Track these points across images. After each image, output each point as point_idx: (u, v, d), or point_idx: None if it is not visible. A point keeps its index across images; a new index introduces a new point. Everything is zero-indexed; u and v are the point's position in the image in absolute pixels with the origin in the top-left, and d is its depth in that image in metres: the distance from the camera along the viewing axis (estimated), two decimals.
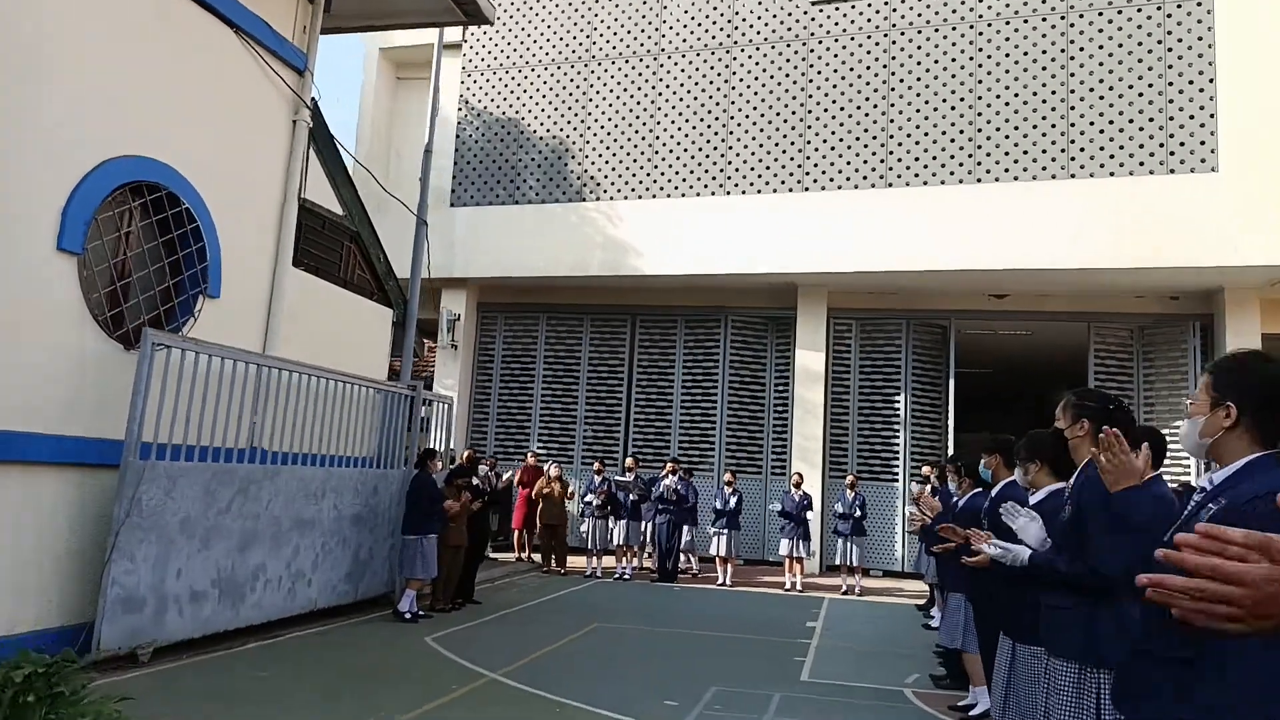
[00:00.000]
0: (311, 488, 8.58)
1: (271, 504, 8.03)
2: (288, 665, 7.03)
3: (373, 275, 10.46)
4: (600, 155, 16.47)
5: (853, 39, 15.26)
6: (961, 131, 14.53)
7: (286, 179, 8.66)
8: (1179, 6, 13.71)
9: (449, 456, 11.35)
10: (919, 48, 14.89)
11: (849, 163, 15.07)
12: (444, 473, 10.31)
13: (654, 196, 16.03)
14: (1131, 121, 13.74)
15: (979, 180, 14.42)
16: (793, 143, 15.35)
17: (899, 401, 15.74)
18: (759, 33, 15.79)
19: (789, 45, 15.60)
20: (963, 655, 6.47)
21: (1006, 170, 14.31)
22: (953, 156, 14.58)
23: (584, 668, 7.40)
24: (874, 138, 14.96)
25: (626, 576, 13.69)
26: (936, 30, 14.82)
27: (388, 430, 10.13)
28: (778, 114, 15.52)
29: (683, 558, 14.49)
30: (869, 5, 15.25)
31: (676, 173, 15.99)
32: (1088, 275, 13.80)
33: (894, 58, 15.01)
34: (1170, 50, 13.69)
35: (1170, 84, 13.58)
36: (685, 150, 15.99)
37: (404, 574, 9.35)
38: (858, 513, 13.06)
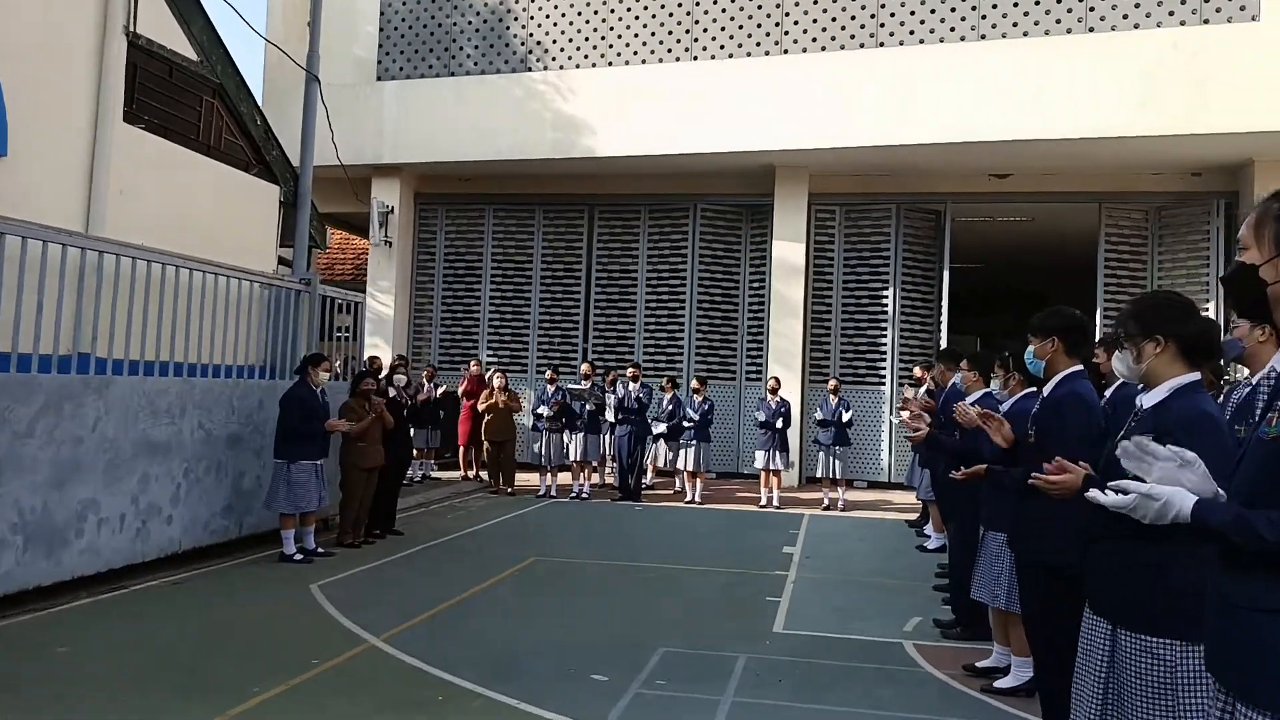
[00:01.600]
0: (162, 403, 6.83)
1: (101, 424, 6.29)
2: (110, 630, 5.42)
3: (248, 143, 8.49)
4: (548, 16, 14.27)
5: None
6: None
7: (105, 4, 6.62)
8: None
9: (364, 362, 9.59)
10: None
11: (834, 19, 13.00)
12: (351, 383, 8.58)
13: (609, 64, 13.93)
14: None
15: (983, 36, 12.44)
16: None
17: (887, 297, 14.07)
18: None
19: None
20: (993, 611, 4.92)
21: (1015, 24, 12.33)
22: (953, 9, 12.55)
23: (498, 625, 5.83)
24: None
25: (584, 495, 12.19)
26: None
27: (278, 333, 8.36)
28: None
29: (650, 472, 13.06)
30: None
31: (635, 35, 13.85)
32: (1103, 147, 12.00)
33: None
34: None
35: None
36: (645, 8, 13.82)
37: (268, 507, 7.68)
38: (842, 418, 11.52)
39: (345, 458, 8.35)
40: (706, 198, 14.68)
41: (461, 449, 13.52)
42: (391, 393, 8.97)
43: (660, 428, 12.25)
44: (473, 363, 13.56)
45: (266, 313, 8.18)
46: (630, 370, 12.32)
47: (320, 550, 7.86)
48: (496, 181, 15.30)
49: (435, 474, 13.43)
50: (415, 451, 12.90)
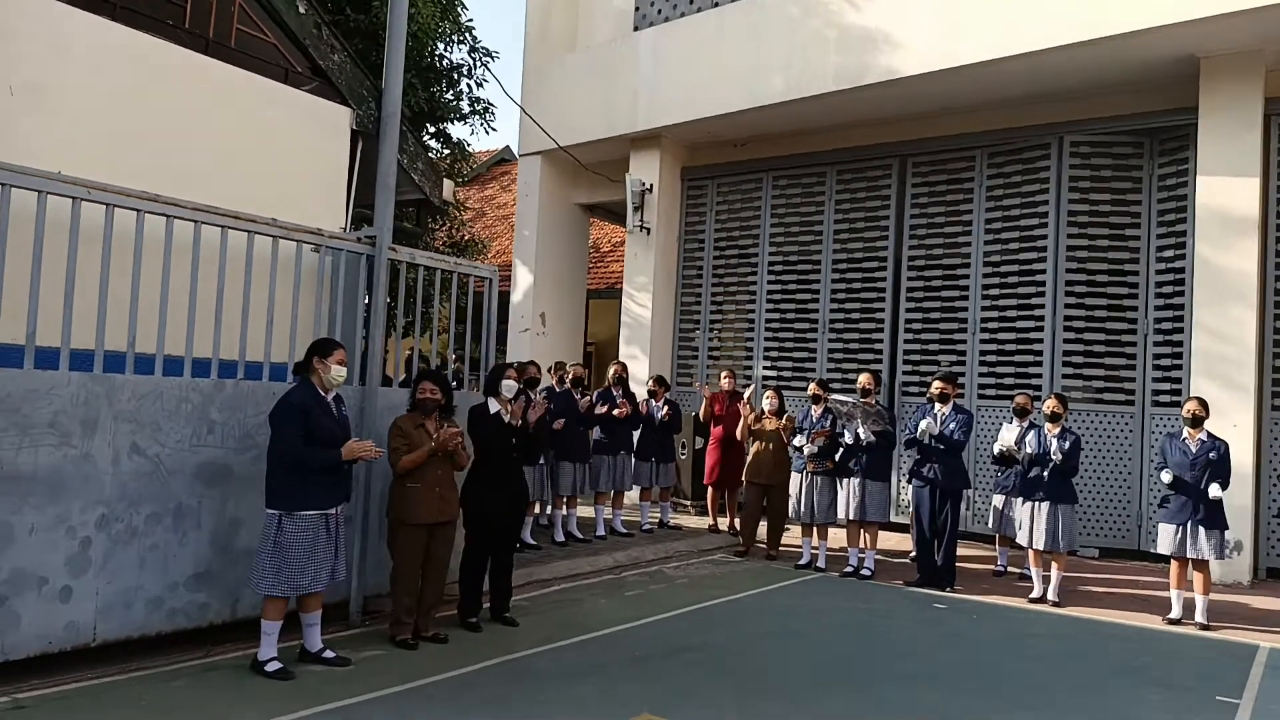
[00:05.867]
0: (39, 412, 4.33)
1: None
2: None
3: (289, 43, 5.94)
4: None
5: None
6: None
7: None
8: None
9: (421, 360, 6.54)
10: None
11: None
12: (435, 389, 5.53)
13: None
14: None
15: None
16: None
17: None
18: None
19: None
20: None
21: None
22: None
23: None
24: None
25: (866, 573, 8.05)
26: None
27: (323, 315, 5.66)
28: None
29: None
30: None
31: None
32: None
33: None
34: None
35: None
36: None
37: (254, 587, 4.79)
38: None
39: (390, 507, 5.38)
40: (1077, 126, 9.69)
41: (710, 491, 10.05)
42: (494, 408, 5.84)
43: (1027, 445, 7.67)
44: (723, 375, 10.00)
45: (303, 285, 5.50)
46: (936, 385, 7.91)
47: (329, 654, 4.91)
48: (777, 142, 11.69)
49: (674, 522, 10.08)
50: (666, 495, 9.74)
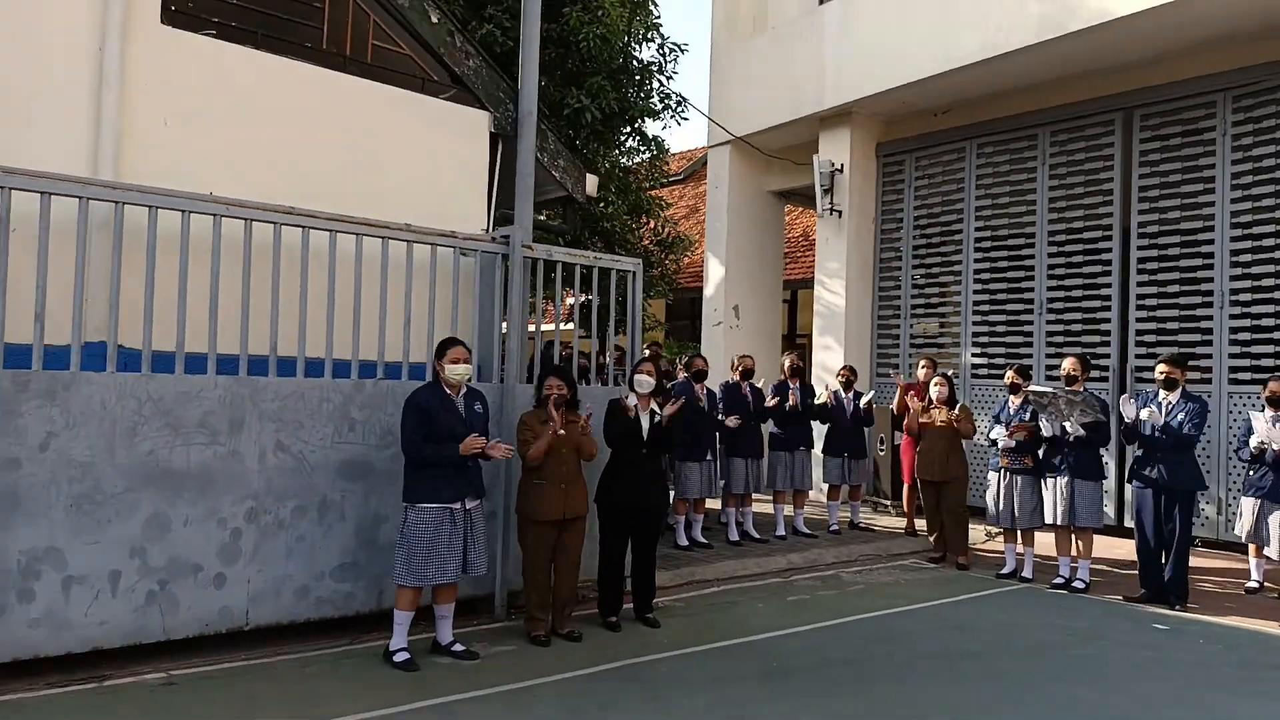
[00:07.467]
0: (190, 413, 4.71)
1: (59, 442, 4.38)
2: None
3: (424, 52, 6.07)
4: None
5: None
6: None
7: None
8: None
9: (553, 353, 6.44)
10: None
11: None
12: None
13: None
14: None
15: None
16: None
17: None
18: None
19: None
20: None
21: None
22: None
23: None
24: None
25: (1080, 585, 7.08)
26: None
27: (459, 315, 5.77)
28: None
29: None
30: None
31: None
32: None
33: None
34: None
35: None
36: None
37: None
38: None
39: (518, 503, 5.38)
40: None
41: (905, 490, 9.32)
42: (632, 401, 5.68)
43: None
44: (921, 364, 9.21)
45: (441, 284, 5.63)
46: (1161, 369, 6.77)
47: (458, 647, 4.97)
48: (980, 106, 10.62)
49: (868, 523, 9.42)
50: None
